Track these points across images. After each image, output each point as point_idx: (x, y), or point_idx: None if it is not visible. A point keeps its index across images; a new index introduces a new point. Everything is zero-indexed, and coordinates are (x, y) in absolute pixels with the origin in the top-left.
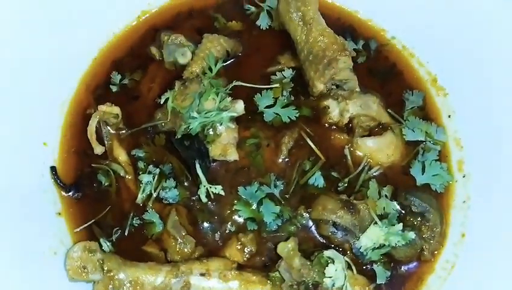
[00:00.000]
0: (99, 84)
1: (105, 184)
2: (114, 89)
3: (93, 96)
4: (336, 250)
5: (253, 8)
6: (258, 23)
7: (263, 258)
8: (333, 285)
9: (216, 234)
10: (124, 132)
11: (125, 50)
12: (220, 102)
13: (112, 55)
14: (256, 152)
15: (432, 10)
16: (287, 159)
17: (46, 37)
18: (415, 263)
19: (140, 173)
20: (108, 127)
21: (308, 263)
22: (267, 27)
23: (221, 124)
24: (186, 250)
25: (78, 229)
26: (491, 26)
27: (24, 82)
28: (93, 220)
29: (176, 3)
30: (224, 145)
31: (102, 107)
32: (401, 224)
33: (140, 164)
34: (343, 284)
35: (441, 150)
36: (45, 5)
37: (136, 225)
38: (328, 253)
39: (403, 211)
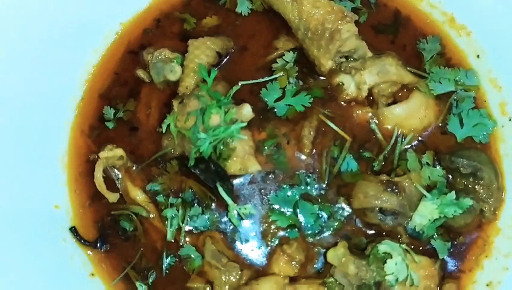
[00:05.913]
0: (93, 124)
1: (131, 229)
2: (110, 125)
3: (91, 140)
4: (390, 237)
5: None
6: (237, 10)
7: (315, 265)
8: (397, 280)
9: (259, 252)
10: (134, 169)
11: (109, 79)
12: (225, 114)
13: (98, 89)
14: (277, 153)
15: None
16: (313, 151)
17: (26, 89)
18: (477, 227)
19: (162, 208)
20: (117, 171)
21: (364, 263)
22: (249, 11)
23: (232, 138)
24: (232, 278)
25: (115, 282)
26: None
27: (17, 143)
28: (127, 269)
29: (142, 16)
30: (242, 158)
31: (104, 154)
32: (453, 192)
33: (160, 198)
34: (407, 275)
35: (476, 96)
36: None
37: (173, 263)
38: (382, 247)
39: (451, 176)
